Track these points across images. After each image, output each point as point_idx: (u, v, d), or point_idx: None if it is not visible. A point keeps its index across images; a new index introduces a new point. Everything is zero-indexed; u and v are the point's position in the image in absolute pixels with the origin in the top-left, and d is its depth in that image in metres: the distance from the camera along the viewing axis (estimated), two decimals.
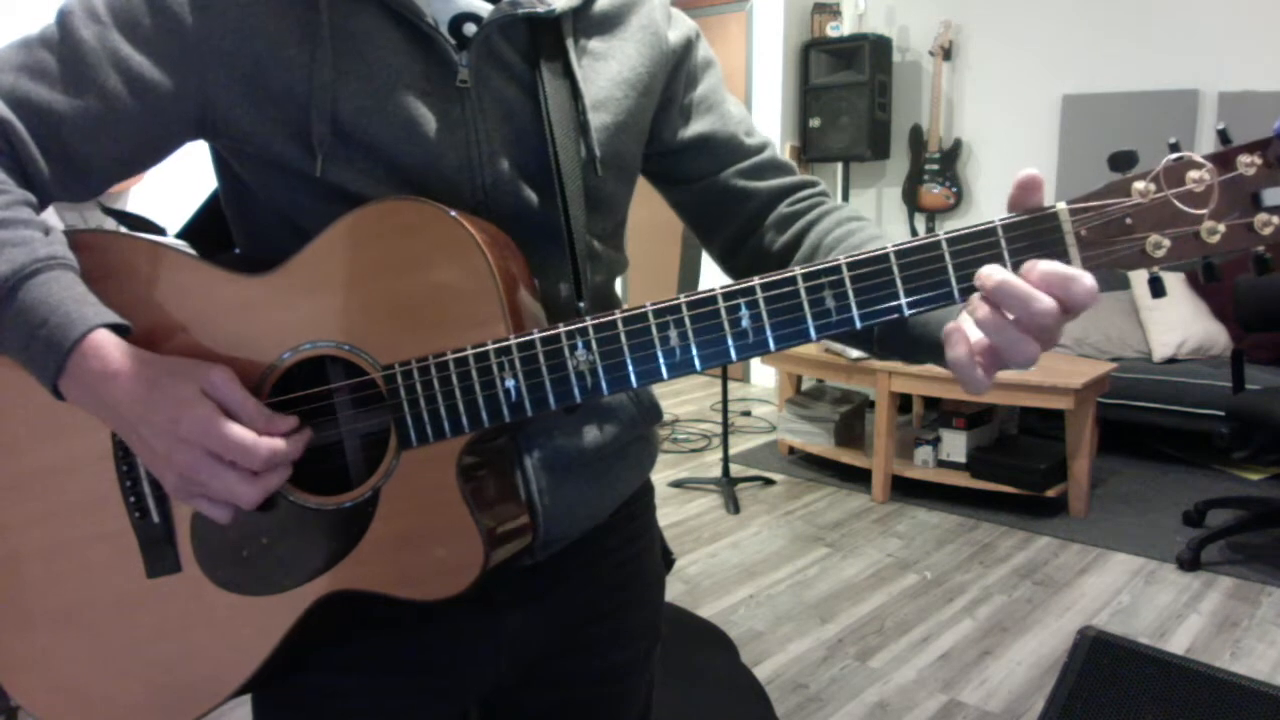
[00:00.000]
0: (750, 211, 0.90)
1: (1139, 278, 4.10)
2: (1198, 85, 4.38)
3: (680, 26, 0.90)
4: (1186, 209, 0.60)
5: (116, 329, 0.69)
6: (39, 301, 0.66)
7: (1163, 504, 3.64)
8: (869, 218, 0.87)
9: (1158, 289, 0.63)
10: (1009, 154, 5.02)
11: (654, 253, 4.84)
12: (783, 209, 0.90)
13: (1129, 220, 0.61)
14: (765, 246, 0.90)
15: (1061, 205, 0.61)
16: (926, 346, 0.74)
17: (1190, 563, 3.06)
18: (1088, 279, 0.59)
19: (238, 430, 0.67)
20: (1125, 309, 4.26)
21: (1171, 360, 4.04)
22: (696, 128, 0.89)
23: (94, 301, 0.69)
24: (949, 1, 5.09)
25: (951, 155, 5.14)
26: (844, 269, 0.64)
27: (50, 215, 0.86)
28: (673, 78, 0.88)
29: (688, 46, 0.89)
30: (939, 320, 0.71)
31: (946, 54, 5.09)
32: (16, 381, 0.73)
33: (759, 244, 0.90)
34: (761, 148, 0.92)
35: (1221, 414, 3.29)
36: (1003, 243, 0.62)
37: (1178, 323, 4.06)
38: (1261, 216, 0.59)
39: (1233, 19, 4.29)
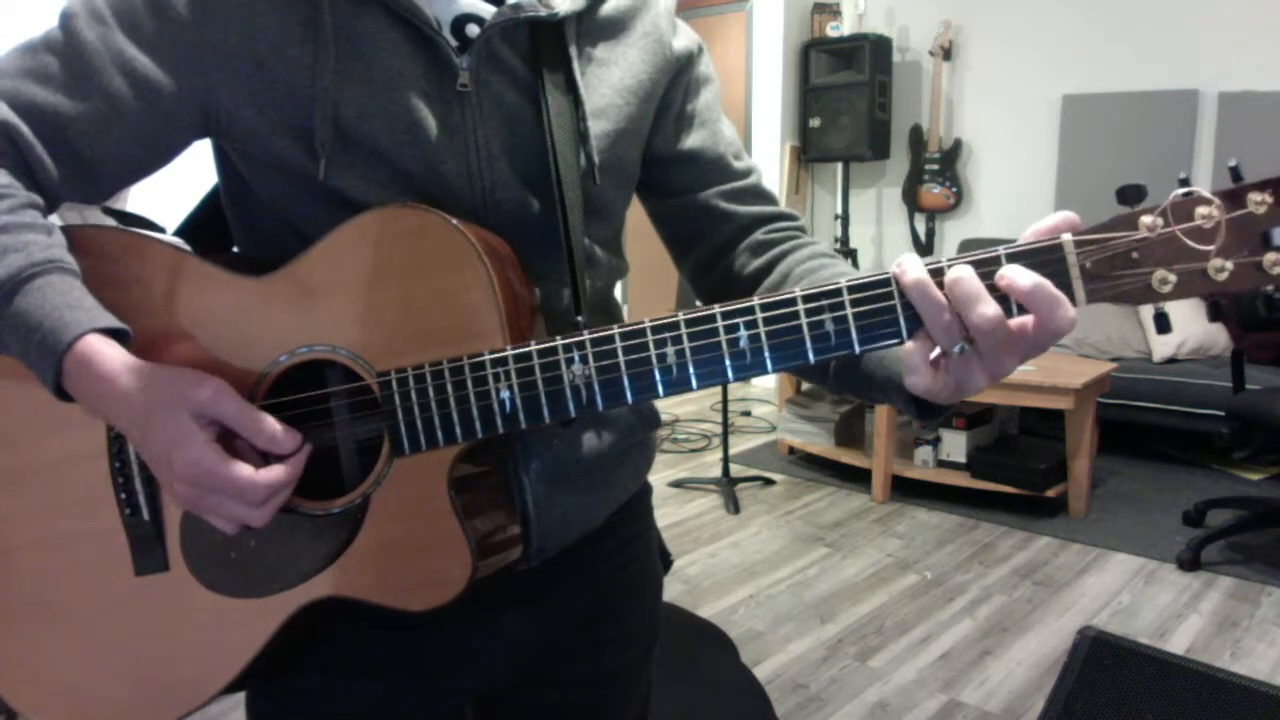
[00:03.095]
0: (726, 234, 0.90)
1: None
2: (1198, 85, 4.38)
3: (685, 37, 0.89)
4: (1194, 245, 0.59)
5: (115, 333, 0.68)
6: (34, 307, 0.66)
7: (1163, 504, 3.63)
8: (841, 258, 0.87)
9: (1163, 325, 0.62)
10: (1009, 154, 5.01)
11: (655, 256, 4.83)
12: (758, 235, 0.89)
13: (1135, 254, 0.60)
14: (736, 270, 0.89)
15: (1066, 237, 0.61)
16: (880, 382, 0.74)
17: (1190, 563, 3.06)
18: (985, 301, 0.59)
19: (232, 472, 0.66)
20: (1125, 309, 4.26)
21: (1171, 360, 4.04)
22: (688, 142, 0.89)
23: (90, 306, 0.68)
24: (949, 1, 5.09)
25: (951, 155, 5.14)
26: (844, 291, 0.63)
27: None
28: (673, 84, 0.88)
29: (690, 58, 0.89)
30: (894, 355, 0.72)
31: (946, 54, 5.09)
32: (15, 377, 0.73)
33: (730, 266, 0.90)
34: (747, 173, 0.91)
35: (1221, 414, 3.29)
36: None
37: (1178, 323, 4.05)
38: (1271, 256, 0.58)
39: (1233, 19, 4.29)
